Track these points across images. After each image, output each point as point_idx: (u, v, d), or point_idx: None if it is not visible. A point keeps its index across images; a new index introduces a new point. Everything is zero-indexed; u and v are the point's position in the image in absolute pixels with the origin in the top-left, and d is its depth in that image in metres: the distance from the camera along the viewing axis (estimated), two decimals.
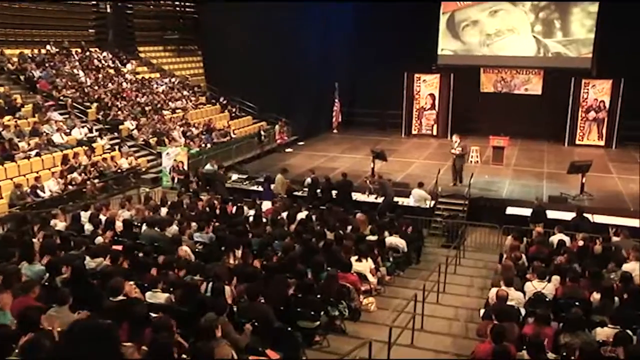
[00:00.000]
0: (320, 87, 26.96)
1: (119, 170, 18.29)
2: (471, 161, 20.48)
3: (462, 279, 11.79)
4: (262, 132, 23.59)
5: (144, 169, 19.44)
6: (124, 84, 24.34)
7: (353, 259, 9.75)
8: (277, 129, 24.45)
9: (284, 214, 12.59)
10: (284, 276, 8.24)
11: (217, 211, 13.03)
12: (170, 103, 24.59)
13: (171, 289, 7.48)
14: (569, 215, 14.13)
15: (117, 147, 19.71)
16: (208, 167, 17.89)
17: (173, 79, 27.44)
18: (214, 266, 8.33)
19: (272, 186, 16.09)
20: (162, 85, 26.03)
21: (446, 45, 25.77)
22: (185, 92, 26.45)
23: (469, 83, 25.52)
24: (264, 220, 12.29)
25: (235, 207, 13.29)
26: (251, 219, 12.42)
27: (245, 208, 13.34)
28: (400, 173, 19.39)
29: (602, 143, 23.71)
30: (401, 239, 11.77)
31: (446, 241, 14.58)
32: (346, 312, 8.50)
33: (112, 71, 25.04)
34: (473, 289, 11.17)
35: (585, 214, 13.38)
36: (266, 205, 14.05)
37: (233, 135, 23.60)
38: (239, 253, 9.38)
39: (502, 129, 21.40)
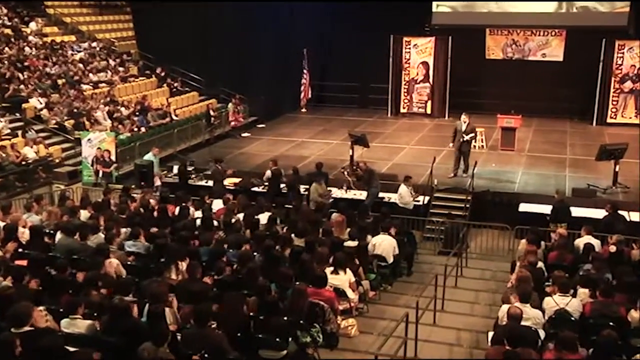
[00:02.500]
0: (285, 55, 26.87)
1: (23, 162, 17.97)
2: (475, 146, 20.63)
3: (464, 293, 11.85)
4: (212, 113, 23.43)
5: (57, 161, 19.18)
6: (27, 49, 23.90)
7: (328, 270, 9.71)
8: (230, 109, 24.32)
9: (240, 216, 12.52)
10: (241, 293, 8.18)
11: (155, 213, 12.92)
12: (91, 75, 24.25)
13: (95, 314, 7.37)
14: (598, 213, 14.33)
15: (19, 132, 19.36)
16: (149, 156, 17.71)
17: (94, 44, 27.06)
18: (151, 283, 8.25)
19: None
20: (79, 52, 25.64)
21: (442, 0, 25.94)
22: (110, 61, 26.11)
23: (471, 48, 25.76)
24: (215, 223, 12.18)
25: (178, 208, 13.18)
26: (199, 222, 12.32)
27: (191, 209, 13.23)
28: (386, 162, 19.47)
29: None
30: (389, 242, 11.80)
31: (444, 246, 14.68)
32: (320, 337, 8.48)
33: (9, 31, 24.54)
34: (479, 307, 11.23)
35: (619, 211, 13.57)
36: (217, 205, 14.00)
37: (174, 117, 23.38)
38: (183, 265, 9.31)
39: (514, 106, 21.64)
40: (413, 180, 16.16)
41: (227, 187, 16.70)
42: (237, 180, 17.18)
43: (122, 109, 22.33)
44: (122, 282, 8.45)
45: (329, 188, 16.66)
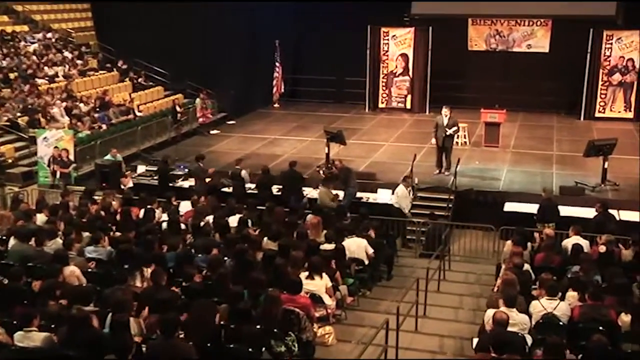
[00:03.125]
0: (256, 47, 26.78)
1: None
2: (457, 142, 20.75)
3: (448, 298, 11.91)
4: (178, 109, 23.29)
5: (10, 161, 18.95)
6: None
7: (303, 275, 9.72)
8: (198, 104, 24.16)
9: (210, 218, 12.48)
10: (210, 301, 8.13)
11: (118, 216, 12.84)
12: (46, 68, 23.97)
13: (52, 326, 7.30)
14: (587, 212, 14.47)
15: None
16: (109, 157, 17.51)
17: (49, 35, 26.74)
18: (114, 291, 8.19)
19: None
20: (33, 43, 25.32)
21: None
22: (67, 54, 25.84)
23: (453, 39, 25.90)
24: (183, 226, 12.13)
25: (142, 211, 13.10)
26: (165, 225, 12.27)
27: (157, 211, 13.18)
28: (364, 160, 19.51)
29: (630, 115, 24.35)
30: (358, 243, 11.84)
31: (426, 249, 14.74)
32: (295, 346, 8.45)
33: None
34: (463, 312, 11.29)
35: (609, 210, 13.72)
36: (185, 207, 13.94)
37: (138, 113, 23.20)
38: (148, 272, 9.25)
39: (498, 100, 21.77)
40: (389, 177, 16.19)
41: (185, 187, 16.60)
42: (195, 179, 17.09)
43: (81, 105, 22.09)
44: (82, 290, 8.36)
45: (303, 189, 16.67)
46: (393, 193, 15.69)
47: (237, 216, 12.76)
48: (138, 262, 9.43)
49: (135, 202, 13.73)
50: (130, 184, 17.07)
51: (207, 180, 16.57)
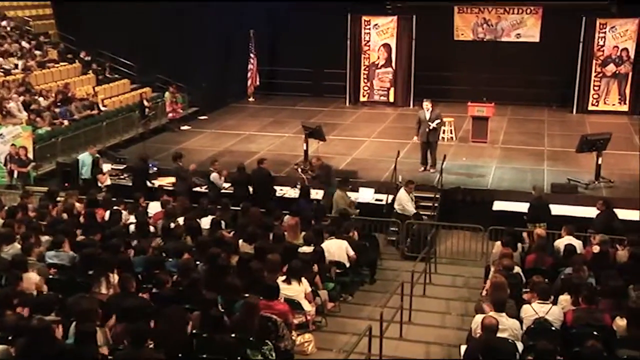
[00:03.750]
0: (229, 37, 26.70)
1: None
2: (443, 138, 20.84)
3: (434, 303, 11.95)
4: (146, 103, 23.16)
5: None
6: None
7: (281, 280, 9.73)
8: (167, 98, 24.02)
9: (181, 220, 12.44)
10: (182, 308, 8.13)
11: (82, 218, 12.75)
12: (1, 60, 23.71)
13: (10, 338, 7.24)
14: (580, 211, 14.59)
15: None
16: (85, 157, 17.13)
17: (4, 23, 26.43)
18: (78, 299, 8.09)
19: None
20: None
21: None
22: (25, 44, 25.58)
23: (438, 28, 25.99)
24: (152, 229, 12.09)
25: (108, 212, 13.02)
26: (132, 228, 12.21)
27: (124, 213, 13.09)
28: (344, 157, 19.54)
29: (624, 108, 24.59)
30: (338, 244, 11.86)
31: (410, 251, 14.79)
32: (273, 355, 8.44)
33: None
34: (450, 317, 11.34)
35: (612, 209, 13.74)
36: (154, 208, 13.88)
37: (102, 108, 23.07)
38: (115, 278, 9.22)
39: (486, 92, 21.85)
40: (372, 175, 16.19)
41: (165, 187, 16.55)
42: (174, 179, 17.00)
43: (40, 99, 21.89)
44: (42, 299, 8.29)
45: (280, 188, 16.66)
46: (394, 200, 15.58)
47: (210, 217, 12.71)
48: (104, 268, 9.36)
49: (99, 203, 13.61)
50: (108, 182, 16.96)
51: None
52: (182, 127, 23.55)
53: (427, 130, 17.69)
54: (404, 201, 15.11)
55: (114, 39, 26.17)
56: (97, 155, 17.59)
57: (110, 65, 26.71)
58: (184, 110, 24.77)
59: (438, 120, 18.00)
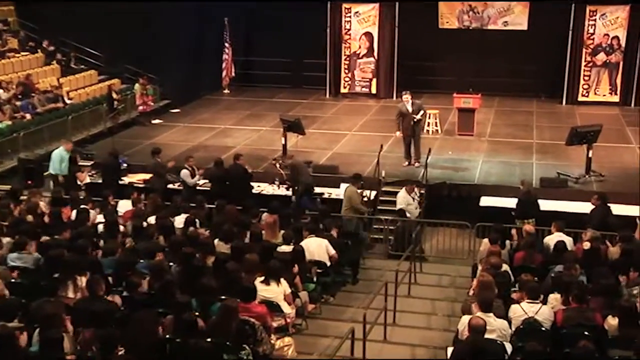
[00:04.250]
0: (202, 26, 26.59)
1: None
2: (428, 131, 20.90)
3: (419, 303, 12.01)
4: (115, 96, 23.05)
5: None
6: None
7: (258, 281, 9.73)
8: (137, 90, 23.92)
9: (152, 219, 12.42)
10: (154, 312, 8.11)
11: (46, 218, 12.66)
12: None
13: None
14: (570, 206, 14.68)
15: None
16: (60, 152, 16.91)
17: None
18: (42, 304, 8.05)
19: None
20: None
21: None
22: None
23: (422, 16, 25.97)
24: (122, 229, 12.05)
25: (74, 212, 12.94)
26: (101, 228, 12.15)
27: (92, 212, 13.01)
28: (325, 151, 19.56)
29: (615, 99, 24.74)
30: (317, 243, 11.87)
31: (394, 249, 14.83)
32: None
33: None
34: (436, 318, 11.40)
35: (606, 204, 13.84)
36: (124, 206, 13.83)
37: (68, 101, 22.90)
38: (82, 281, 9.17)
39: (472, 83, 21.89)
40: (354, 171, 16.20)
41: (136, 184, 16.48)
42: (146, 176, 16.95)
43: (0, 91, 21.72)
44: (4, 304, 8.21)
45: (258, 184, 16.65)
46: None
47: (184, 216, 12.68)
48: (70, 270, 9.28)
49: (65, 201, 13.52)
50: (87, 180, 16.83)
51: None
52: (153, 121, 23.42)
53: (412, 122, 17.73)
54: (402, 204, 15.13)
55: (79, 27, 25.86)
56: (74, 151, 17.46)
57: (75, 55, 26.46)
58: (155, 103, 24.68)
59: (422, 112, 18.07)
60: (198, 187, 16.16)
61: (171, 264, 10.13)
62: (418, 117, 17.76)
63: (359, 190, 15.41)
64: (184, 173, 15.85)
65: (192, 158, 16.39)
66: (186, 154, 17.66)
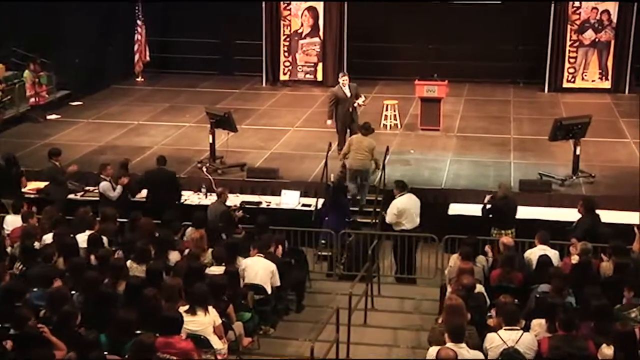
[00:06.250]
0: (107, 2, 26.37)
1: None
2: (385, 125, 21.01)
3: (378, 333, 12.08)
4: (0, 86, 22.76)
5: None
6: None
7: (183, 309, 9.68)
8: (27, 79, 23.64)
9: (49, 237, 12.27)
10: (49, 352, 8.00)
11: None
12: None
13: None
14: (555, 213, 14.86)
15: None
16: None
17: None
18: None
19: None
20: None
21: None
22: None
23: None
24: (9, 250, 11.95)
25: None
26: None
27: None
28: (261, 152, 19.56)
29: (607, 85, 25.04)
30: (264, 265, 11.86)
31: (347, 268, 14.85)
32: None
33: None
34: (398, 351, 11.46)
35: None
36: (13, 222, 13.63)
37: None
38: None
39: (436, 67, 22.12)
40: (297, 175, 16.22)
41: (27, 194, 16.24)
42: (41, 184, 16.71)
43: None
44: None
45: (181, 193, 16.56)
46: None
47: (88, 232, 12.54)
48: None
49: None
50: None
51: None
52: (48, 117, 23.16)
53: (351, 109, 17.96)
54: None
55: None
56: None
57: None
58: (50, 95, 24.44)
59: (362, 98, 18.30)
60: (135, 199, 16.01)
61: (73, 292, 10.00)
62: (360, 101, 18.04)
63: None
64: (105, 186, 15.59)
65: (109, 166, 16.07)
66: (90, 156, 17.55)
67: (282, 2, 26.20)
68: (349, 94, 18.02)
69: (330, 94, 18.54)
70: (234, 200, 15.94)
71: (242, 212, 14.90)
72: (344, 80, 18.26)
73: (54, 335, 8.68)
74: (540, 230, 12.59)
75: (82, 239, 12.24)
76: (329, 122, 18.55)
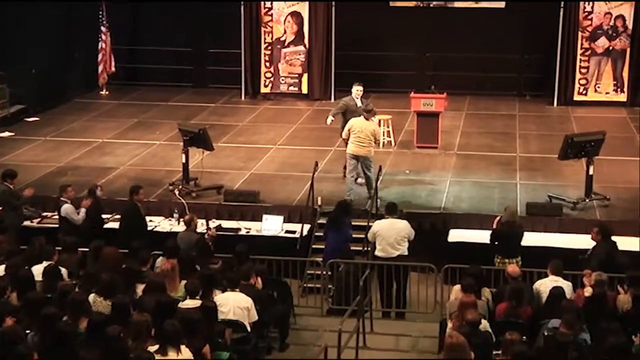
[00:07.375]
0: (70, 4, 26.39)
1: None
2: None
3: None
4: None
5: None
6: None
7: (152, 349, 9.62)
8: None
9: (0, 269, 12.23)
10: None
11: None
12: None
13: None
14: (566, 240, 14.86)
15: None
16: None
17: None
18: None
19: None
20: None
21: None
22: None
23: None
24: None
25: None
26: None
27: None
28: (240, 173, 19.55)
29: (622, 97, 25.13)
30: (241, 300, 11.83)
31: (336, 302, 14.84)
32: None
33: None
34: None
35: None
36: None
37: None
38: None
39: (435, 79, 22.20)
40: (280, 198, 16.20)
41: None
42: None
43: None
44: None
45: (150, 219, 16.48)
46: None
47: (45, 264, 12.48)
48: None
49: None
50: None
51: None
52: (1, 134, 23.18)
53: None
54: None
55: None
56: None
57: None
58: (3, 110, 24.35)
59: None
60: (106, 226, 15.99)
61: (28, 331, 9.93)
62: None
63: None
64: (67, 209, 15.55)
65: (70, 188, 16.06)
66: (48, 178, 17.50)
67: (262, 6, 26.17)
68: (358, 104, 18.01)
69: (340, 103, 18.52)
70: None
71: (214, 230, 14.94)
72: (357, 91, 18.21)
73: None
74: (553, 260, 12.57)
75: (38, 271, 12.15)
76: (328, 120, 18.59)
